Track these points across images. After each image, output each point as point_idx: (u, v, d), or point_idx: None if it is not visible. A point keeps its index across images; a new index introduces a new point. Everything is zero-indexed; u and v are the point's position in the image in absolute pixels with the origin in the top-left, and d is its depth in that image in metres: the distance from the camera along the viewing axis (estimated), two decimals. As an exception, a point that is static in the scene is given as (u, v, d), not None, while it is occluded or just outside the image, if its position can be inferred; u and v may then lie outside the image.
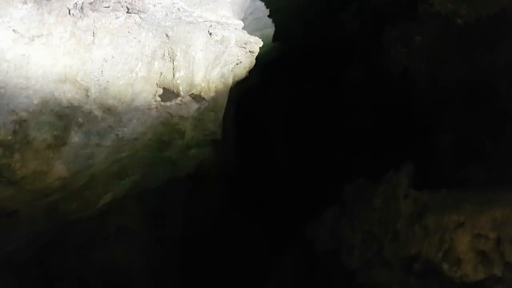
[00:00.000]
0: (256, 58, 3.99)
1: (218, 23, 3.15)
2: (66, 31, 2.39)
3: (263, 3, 4.68)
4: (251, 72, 4.05)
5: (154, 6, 2.66)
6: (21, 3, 2.27)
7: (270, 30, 5.30)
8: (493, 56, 4.43)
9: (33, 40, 2.31)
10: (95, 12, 2.44)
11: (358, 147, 5.83)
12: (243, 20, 4.14)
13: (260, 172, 6.86)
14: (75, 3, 2.39)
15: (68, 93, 2.43)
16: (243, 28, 3.81)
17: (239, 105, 6.09)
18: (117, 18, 2.52)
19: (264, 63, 5.93)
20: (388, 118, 5.61)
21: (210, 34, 3.10)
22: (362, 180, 4.69)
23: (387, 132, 5.56)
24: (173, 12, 2.76)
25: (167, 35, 2.79)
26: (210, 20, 3.04)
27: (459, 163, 4.63)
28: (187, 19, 2.86)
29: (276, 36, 5.46)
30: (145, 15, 2.63)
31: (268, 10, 4.83)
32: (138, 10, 2.58)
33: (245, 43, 3.67)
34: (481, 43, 4.31)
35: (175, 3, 2.77)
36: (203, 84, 3.12)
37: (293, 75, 6.81)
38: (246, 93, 6.14)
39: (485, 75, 4.60)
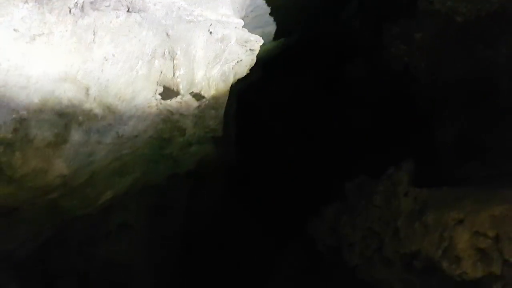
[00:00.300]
0: (257, 56, 4.00)
1: (218, 21, 3.16)
2: (67, 30, 2.40)
3: (264, 1, 4.67)
4: (252, 69, 4.06)
5: (155, 5, 2.67)
6: (22, 2, 2.28)
7: (271, 28, 5.29)
8: (493, 53, 4.43)
9: (34, 39, 2.32)
10: (95, 11, 2.45)
11: (359, 144, 5.83)
12: (244, 18, 4.14)
13: (261, 169, 6.86)
14: (76, 2, 2.40)
15: (68, 91, 2.45)
16: (244, 26, 3.82)
17: (240, 101, 6.09)
18: (117, 17, 2.53)
19: (265, 60, 5.92)
20: (389, 114, 5.61)
21: (211, 32, 3.11)
22: (362, 177, 4.69)
23: (388, 129, 5.56)
24: (173, 11, 2.76)
25: (167, 34, 2.80)
26: (210, 19, 3.04)
27: (460, 159, 4.64)
28: (187, 18, 2.87)
29: (277, 34, 5.45)
30: (146, 14, 2.64)
31: (269, 8, 4.83)
32: (138, 9, 2.59)
33: (245, 41, 3.67)
34: (481, 40, 4.31)
35: (175, 2, 2.78)
36: (203, 83, 3.13)
37: (294, 71, 6.80)
38: (247, 89, 6.13)
39: (485, 72, 4.60)
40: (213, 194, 6.22)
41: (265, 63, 5.98)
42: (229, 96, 3.95)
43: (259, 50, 3.95)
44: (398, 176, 4.07)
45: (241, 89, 5.70)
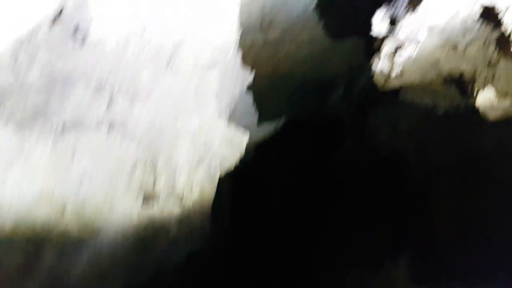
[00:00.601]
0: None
1: (201, 126, 3.20)
2: (45, 152, 2.40)
3: (250, 92, 4.76)
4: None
5: (137, 121, 2.71)
6: (1, 125, 2.30)
7: (258, 115, 5.33)
8: (477, 138, 4.53)
9: (11, 161, 2.32)
10: (76, 130, 2.48)
11: (354, 226, 5.72)
12: (231, 111, 4.22)
13: (257, 248, 6.67)
14: (57, 123, 2.43)
15: (43, 213, 2.40)
16: (231, 118, 3.87)
17: (234, 180, 6.03)
18: (98, 135, 2.55)
19: (257, 143, 5.98)
20: (382, 197, 5.57)
21: (193, 138, 3.13)
22: (359, 268, 4.59)
23: (382, 212, 5.49)
24: (155, 124, 2.80)
25: (149, 146, 2.81)
26: (193, 126, 3.09)
27: (456, 242, 4.55)
28: (170, 129, 2.90)
29: (264, 119, 5.52)
30: (127, 130, 2.67)
31: (256, 98, 4.92)
32: (119, 126, 2.62)
33: (231, 140, 3.71)
34: (464, 127, 4.43)
35: (158, 115, 2.83)
36: (186, 187, 3.11)
37: (284, 153, 6.85)
38: (240, 170, 6.11)
39: (472, 156, 4.67)
40: (204, 280, 5.99)
41: (256, 145, 6.03)
42: (219, 183, 3.90)
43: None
44: (395, 275, 3.97)
45: (234, 172, 5.65)
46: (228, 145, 3.71)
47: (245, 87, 4.36)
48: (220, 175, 3.85)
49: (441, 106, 3.85)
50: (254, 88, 4.67)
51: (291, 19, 4.34)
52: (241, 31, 3.71)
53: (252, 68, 4.12)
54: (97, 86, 2.43)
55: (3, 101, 2.17)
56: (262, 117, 5.58)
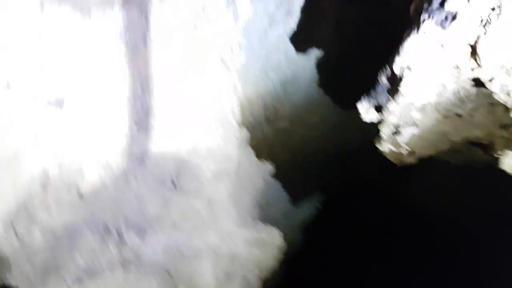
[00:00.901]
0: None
1: (222, 239, 3.08)
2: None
3: (276, 182, 4.64)
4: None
5: (151, 251, 2.64)
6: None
7: (291, 200, 5.18)
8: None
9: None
10: (90, 279, 2.43)
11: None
12: (258, 207, 4.08)
13: None
14: (69, 275, 2.40)
15: None
16: (259, 215, 3.73)
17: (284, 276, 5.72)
18: (113, 277, 2.50)
19: (299, 227, 5.72)
20: (436, 259, 5.17)
21: (216, 254, 3.01)
22: None
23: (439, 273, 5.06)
24: (171, 250, 2.72)
25: (168, 273, 2.71)
26: (213, 241, 2.98)
27: None
28: (187, 251, 2.81)
29: (300, 201, 5.34)
30: (142, 263, 2.60)
31: (284, 185, 4.79)
32: (134, 262, 2.56)
33: (261, 240, 3.55)
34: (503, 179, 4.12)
35: (172, 240, 2.75)
36: (218, 312, 2.92)
37: (331, 230, 6.56)
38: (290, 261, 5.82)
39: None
40: None
41: (302, 228, 5.76)
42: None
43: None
44: None
45: (281, 269, 5.27)
46: (259, 246, 3.53)
47: (267, 179, 4.27)
48: (264, 280, 3.62)
49: (474, 162, 3.56)
50: (277, 176, 4.56)
51: (297, 105, 4.32)
52: (247, 128, 3.71)
53: (269, 160, 4.05)
54: (103, 230, 2.41)
55: (10, 268, 2.18)
56: (297, 198, 5.39)
